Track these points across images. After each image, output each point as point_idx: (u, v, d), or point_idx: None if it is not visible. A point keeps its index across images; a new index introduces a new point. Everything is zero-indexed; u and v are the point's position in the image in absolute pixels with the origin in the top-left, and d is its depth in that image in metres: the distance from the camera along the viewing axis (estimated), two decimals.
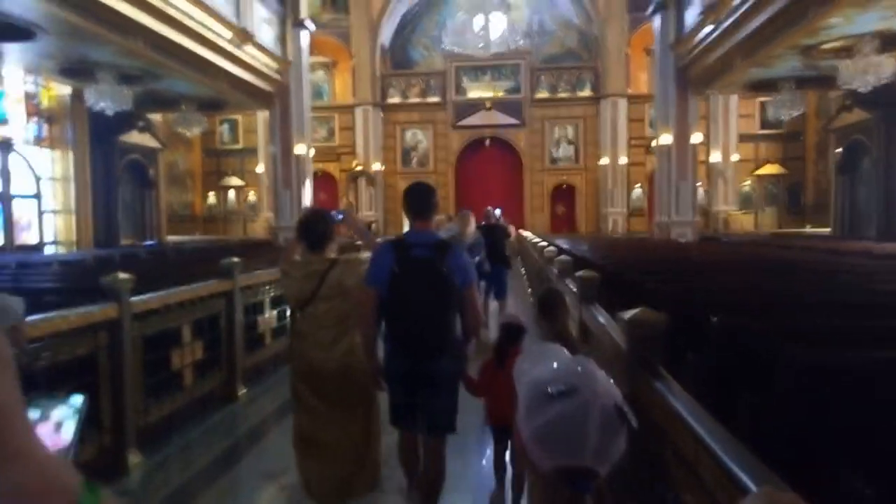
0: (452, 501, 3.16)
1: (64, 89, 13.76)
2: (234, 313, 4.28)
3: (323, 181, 23.06)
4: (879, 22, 8.66)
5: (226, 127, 23.69)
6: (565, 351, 1.02)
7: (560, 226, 22.85)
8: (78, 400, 0.57)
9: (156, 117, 17.09)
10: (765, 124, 21.24)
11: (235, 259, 4.31)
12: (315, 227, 3.06)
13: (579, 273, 2.88)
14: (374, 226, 20.95)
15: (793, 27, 9.13)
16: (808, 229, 18.48)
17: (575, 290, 3.05)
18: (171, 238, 17.75)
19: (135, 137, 16.09)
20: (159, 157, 17.62)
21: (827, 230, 16.73)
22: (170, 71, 11.58)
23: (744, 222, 21.04)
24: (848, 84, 9.69)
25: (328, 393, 2.98)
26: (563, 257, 4.19)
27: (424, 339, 2.68)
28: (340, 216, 3.30)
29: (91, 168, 14.35)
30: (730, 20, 10.91)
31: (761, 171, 21.72)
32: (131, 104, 11.55)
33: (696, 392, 1.70)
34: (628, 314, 1.60)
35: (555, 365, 0.93)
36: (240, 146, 23.63)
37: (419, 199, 2.88)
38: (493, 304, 7.49)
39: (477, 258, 6.06)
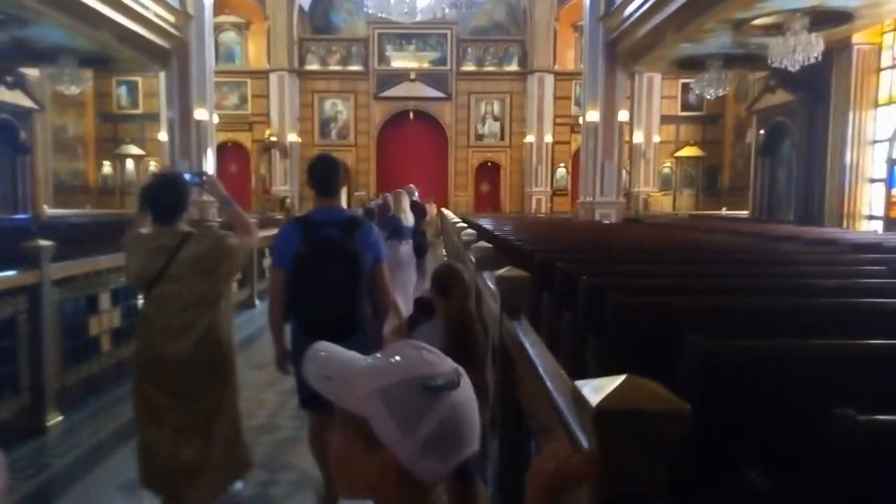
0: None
1: None
2: (40, 315, 3.18)
3: (233, 152, 21.47)
4: None
5: (123, 89, 21.56)
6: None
7: (484, 205, 22.29)
8: None
9: (33, 73, 14.97)
10: (685, 106, 21.37)
11: (45, 242, 3.19)
12: (162, 195, 2.63)
13: (501, 271, 2.08)
14: (287, 201, 19.55)
15: None
16: (724, 212, 18.68)
17: (495, 290, 2.26)
18: (53, 212, 15.74)
19: (3, 95, 14.00)
20: (36, 118, 15.51)
21: (742, 213, 16.90)
22: (38, 16, 9.95)
23: (663, 204, 21.13)
24: (777, 62, 9.45)
25: (177, 386, 2.59)
26: (481, 244, 3.39)
27: (332, 321, 2.59)
28: (199, 179, 2.87)
29: None
30: None
31: (681, 153, 21.88)
32: None
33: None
34: (594, 395, 0.73)
35: (396, 358, 0.76)
36: (140, 111, 21.57)
37: (323, 176, 2.76)
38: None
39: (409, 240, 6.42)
